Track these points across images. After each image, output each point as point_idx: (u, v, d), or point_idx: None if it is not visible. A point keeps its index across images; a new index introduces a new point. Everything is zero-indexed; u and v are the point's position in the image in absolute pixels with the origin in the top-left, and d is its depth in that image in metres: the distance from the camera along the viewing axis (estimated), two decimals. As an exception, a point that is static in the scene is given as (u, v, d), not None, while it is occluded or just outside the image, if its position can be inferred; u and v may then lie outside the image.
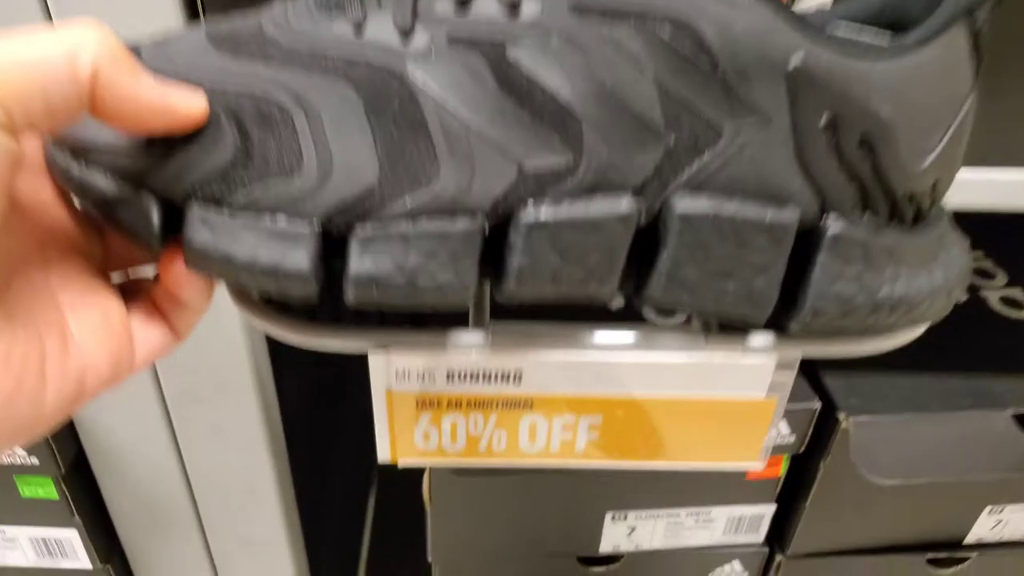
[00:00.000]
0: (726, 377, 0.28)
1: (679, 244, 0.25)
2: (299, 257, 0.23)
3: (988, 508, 0.54)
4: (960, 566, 0.58)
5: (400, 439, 0.29)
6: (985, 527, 0.56)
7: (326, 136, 0.23)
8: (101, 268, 0.26)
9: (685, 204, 0.24)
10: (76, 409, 0.24)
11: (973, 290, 0.62)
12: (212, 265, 0.23)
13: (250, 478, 0.48)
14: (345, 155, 0.23)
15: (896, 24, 0.29)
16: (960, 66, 0.26)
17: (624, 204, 0.24)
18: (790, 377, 0.28)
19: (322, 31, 0.23)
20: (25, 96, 0.19)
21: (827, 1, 0.31)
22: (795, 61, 0.23)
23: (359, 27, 0.23)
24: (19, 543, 0.47)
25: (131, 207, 0.23)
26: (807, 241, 0.26)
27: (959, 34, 0.25)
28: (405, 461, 0.30)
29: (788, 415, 0.49)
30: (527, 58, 0.23)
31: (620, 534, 0.55)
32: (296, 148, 0.23)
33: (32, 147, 0.24)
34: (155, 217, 0.23)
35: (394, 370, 0.28)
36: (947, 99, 0.26)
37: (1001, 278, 0.64)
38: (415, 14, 0.23)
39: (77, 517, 0.47)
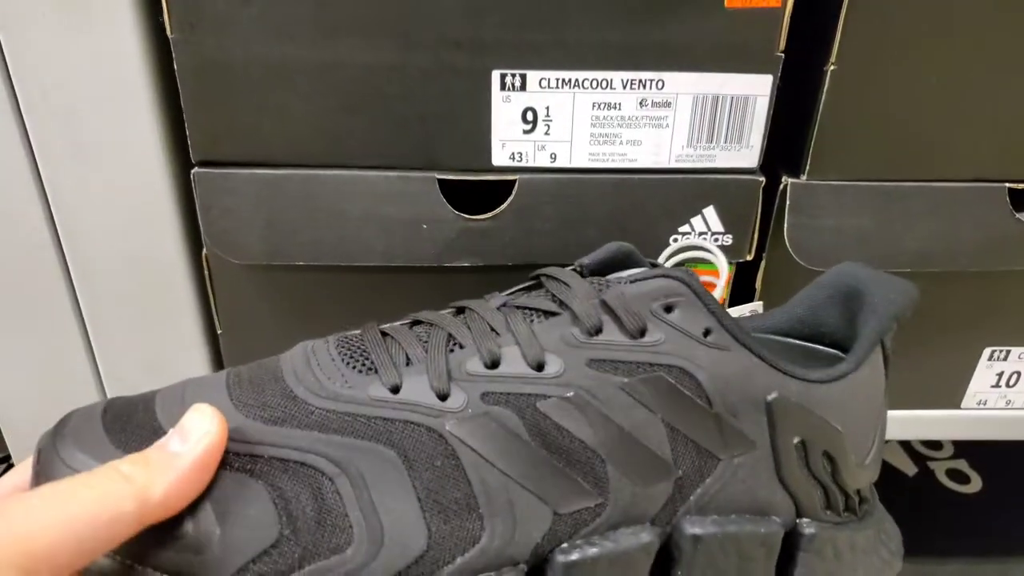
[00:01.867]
0: None
1: (691, 564, 0.26)
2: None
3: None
4: None
5: None
6: None
7: (374, 503, 0.23)
8: None
9: (695, 527, 0.26)
10: None
11: (920, 461, 0.66)
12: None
13: None
14: (394, 522, 0.23)
15: (815, 333, 0.34)
16: (879, 378, 0.31)
17: (646, 534, 0.26)
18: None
19: (357, 393, 0.24)
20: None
21: (758, 308, 0.37)
22: (772, 395, 0.27)
23: (396, 389, 0.24)
24: None
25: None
26: (787, 541, 0.29)
27: (877, 355, 0.31)
28: None
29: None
30: (554, 410, 0.24)
31: None
32: (344, 517, 0.22)
33: None
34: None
35: None
36: (875, 405, 0.31)
37: (947, 448, 0.68)
38: (449, 374, 0.24)
39: None
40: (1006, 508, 0.63)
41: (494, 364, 0.25)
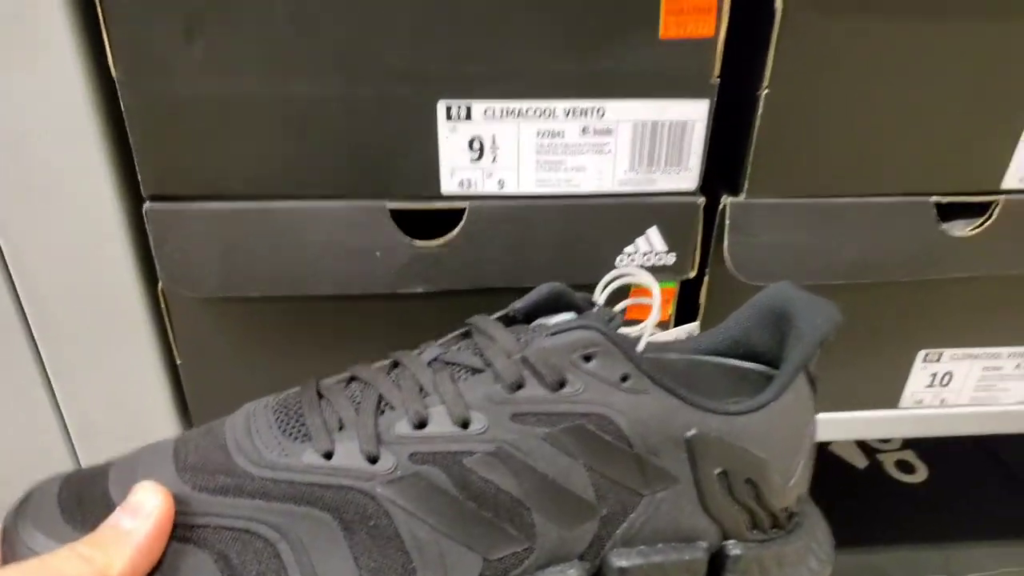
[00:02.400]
0: None
1: (619, 594, 0.28)
2: None
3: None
4: None
5: None
6: None
7: (312, 563, 0.24)
8: None
9: (621, 560, 0.28)
10: None
11: (871, 453, 0.69)
12: None
13: None
14: (332, 581, 0.24)
15: (748, 352, 0.36)
16: (805, 402, 0.33)
17: (573, 571, 0.28)
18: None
19: (292, 460, 0.26)
20: None
21: (694, 330, 0.38)
22: (691, 432, 0.29)
23: (328, 455, 0.26)
24: None
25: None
26: (714, 563, 0.31)
27: (802, 380, 0.32)
28: None
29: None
30: (480, 465, 0.26)
31: None
32: (286, 581, 0.24)
33: None
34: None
35: None
36: (800, 430, 0.33)
37: (896, 440, 0.71)
38: (378, 438, 0.26)
39: None
40: (948, 495, 0.66)
41: (421, 425, 0.26)
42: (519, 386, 0.27)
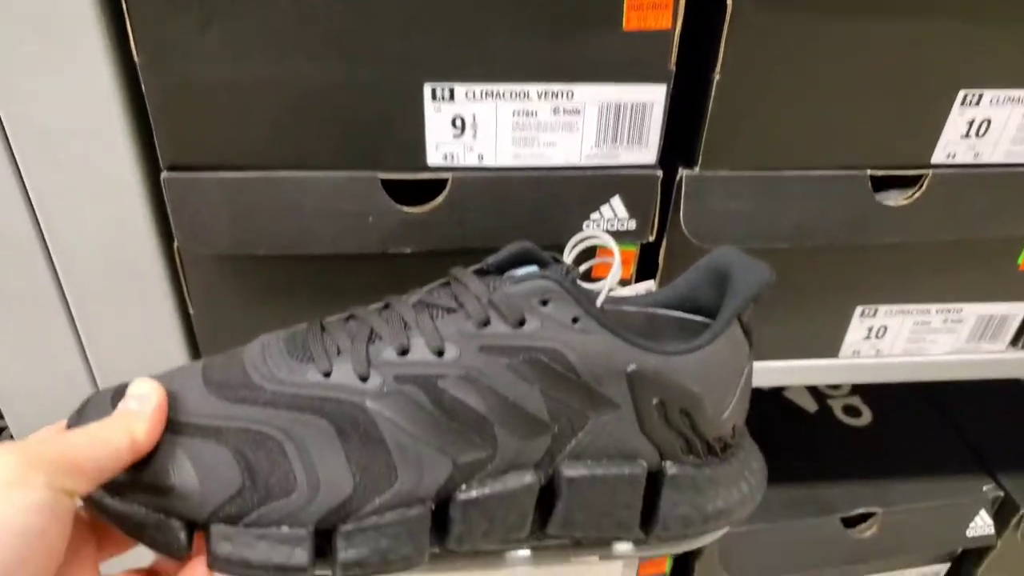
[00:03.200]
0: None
1: (568, 499, 0.34)
2: (300, 554, 0.30)
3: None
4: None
5: None
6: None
7: (312, 459, 0.30)
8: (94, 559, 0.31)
9: (570, 470, 0.34)
10: None
11: (822, 399, 0.77)
12: (233, 568, 0.29)
13: None
14: (327, 474, 0.30)
15: (695, 307, 0.41)
16: (739, 347, 0.38)
17: (528, 477, 0.33)
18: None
19: (297, 378, 0.31)
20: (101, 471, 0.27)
21: (651, 286, 0.43)
22: (631, 367, 0.34)
23: (327, 374, 0.31)
24: None
25: (161, 529, 0.29)
26: (654, 480, 0.36)
27: (735, 328, 0.37)
28: None
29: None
30: (452, 386, 0.32)
31: None
32: (290, 472, 0.30)
33: None
34: (183, 537, 0.29)
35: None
36: (734, 371, 0.38)
37: (845, 387, 0.78)
38: (369, 362, 0.31)
39: None
40: (889, 437, 0.72)
41: (404, 352, 0.32)
42: (486, 323, 0.32)
